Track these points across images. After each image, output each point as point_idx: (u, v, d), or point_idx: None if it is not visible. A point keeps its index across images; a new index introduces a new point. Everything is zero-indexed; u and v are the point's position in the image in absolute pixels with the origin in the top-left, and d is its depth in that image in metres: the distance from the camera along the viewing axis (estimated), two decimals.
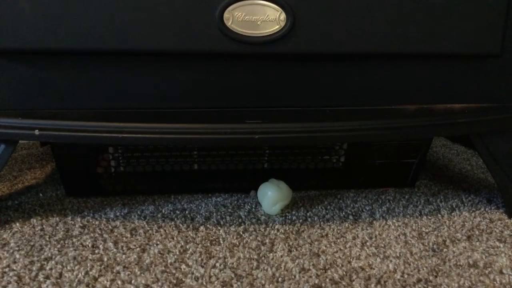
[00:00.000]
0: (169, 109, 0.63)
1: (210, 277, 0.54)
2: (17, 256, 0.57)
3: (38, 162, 0.96)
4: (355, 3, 0.59)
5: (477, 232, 0.67)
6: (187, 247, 0.60)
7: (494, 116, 0.67)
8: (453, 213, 0.73)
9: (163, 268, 0.55)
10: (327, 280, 0.54)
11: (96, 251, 0.59)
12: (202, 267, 0.56)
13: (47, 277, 0.53)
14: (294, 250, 0.60)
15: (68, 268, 0.55)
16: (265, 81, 0.63)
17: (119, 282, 0.52)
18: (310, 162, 0.80)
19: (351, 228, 0.67)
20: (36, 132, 0.58)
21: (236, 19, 0.57)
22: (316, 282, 0.53)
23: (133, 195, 0.77)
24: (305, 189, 0.81)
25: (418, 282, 0.54)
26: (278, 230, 0.66)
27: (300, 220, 0.69)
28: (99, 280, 0.53)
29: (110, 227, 0.65)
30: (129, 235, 0.63)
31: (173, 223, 0.67)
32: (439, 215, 0.72)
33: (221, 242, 0.62)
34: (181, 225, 0.66)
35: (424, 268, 0.57)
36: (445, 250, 0.61)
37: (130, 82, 0.61)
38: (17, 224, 0.66)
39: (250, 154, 0.78)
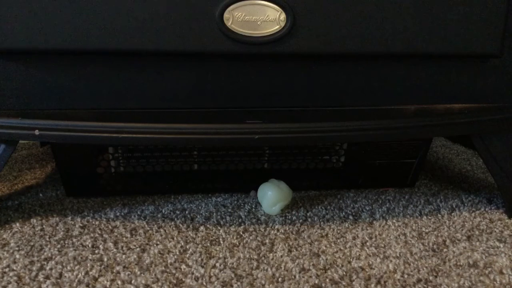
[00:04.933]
0: (169, 109, 0.63)
1: (210, 277, 0.54)
2: (17, 256, 0.57)
3: (38, 162, 0.96)
4: (355, 4, 0.59)
5: (477, 232, 0.67)
6: (187, 247, 0.60)
7: (494, 116, 0.67)
8: (453, 213, 0.73)
9: (163, 268, 0.55)
10: (327, 280, 0.54)
11: (96, 251, 0.59)
12: (202, 267, 0.56)
13: (47, 277, 0.53)
14: (294, 250, 0.60)
15: (68, 268, 0.55)
16: (265, 81, 0.63)
17: (119, 282, 0.52)
18: (310, 162, 0.80)
19: (351, 228, 0.67)
20: (36, 132, 0.58)
21: (236, 19, 0.57)
22: (316, 282, 0.53)
23: (133, 195, 0.77)
24: (305, 189, 0.81)
25: (418, 282, 0.54)
26: (278, 230, 0.66)
27: (300, 220, 0.69)
28: (99, 280, 0.53)
29: (110, 227, 0.65)
30: (129, 235, 0.63)
31: (173, 223, 0.67)
32: (439, 215, 0.72)
33: (221, 242, 0.62)
34: (181, 225, 0.66)
35: (424, 268, 0.57)
36: (445, 250, 0.61)
37: (130, 82, 0.61)
38: (17, 224, 0.66)
39: (250, 154, 0.78)
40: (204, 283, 0.52)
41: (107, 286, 0.51)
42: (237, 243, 0.62)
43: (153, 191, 0.78)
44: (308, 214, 0.71)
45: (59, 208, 0.71)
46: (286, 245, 0.61)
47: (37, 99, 0.60)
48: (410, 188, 0.83)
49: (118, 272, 0.54)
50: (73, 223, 0.66)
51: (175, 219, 0.68)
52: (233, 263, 0.57)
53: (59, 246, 0.60)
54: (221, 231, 0.65)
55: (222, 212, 0.71)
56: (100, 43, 0.57)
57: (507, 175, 0.71)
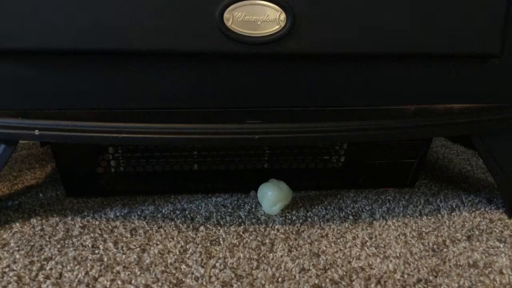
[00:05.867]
0: (169, 109, 0.63)
1: (210, 277, 0.54)
2: (17, 256, 0.57)
3: (38, 162, 0.96)
4: (355, 4, 0.59)
5: (477, 232, 0.67)
6: (187, 247, 0.60)
7: (494, 116, 0.67)
8: (453, 213, 0.73)
9: (163, 268, 0.55)
10: (327, 280, 0.54)
11: (96, 251, 0.59)
12: (202, 267, 0.56)
13: (47, 277, 0.53)
14: (294, 250, 0.60)
15: (68, 268, 0.55)
16: (265, 81, 0.63)
17: (119, 282, 0.52)
18: (310, 162, 0.80)
19: (351, 228, 0.67)
20: (36, 132, 0.58)
21: (236, 19, 0.57)
22: (316, 282, 0.53)
23: (133, 195, 0.77)
24: (305, 189, 0.81)
25: (418, 282, 0.54)
26: (278, 230, 0.66)
27: (300, 220, 0.69)
28: (99, 280, 0.53)
29: (110, 227, 0.65)
30: (129, 235, 0.63)
31: (173, 223, 0.67)
32: (439, 215, 0.72)
33: (221, 242, 0.62)
34: (181, 225, 0.66)
35: (424, 268, 0.57)
36: (445, 250, 0.61)
37: (130, 82, 0.61)
38: (17, 224, 0.66)
39: (250, 154, 0.78)
40: (204, 283, 0.52)
41: (107, 286, 0.51)
42: (237, 243, 0.62)
43: (153, 191, 0.78)
44: (308, 214, 0.71)
45: (59, 208, 0.71)
46: (286, 245, 0.61)
47: (37, 99, 0.60)
48: (410, 188, 0.83)
49: (118, 272, 0.54)
50: (73, 223, 0.66)
51: (175, 219, 0.68)
52: (233, 263, 0.57)
53: (59, 246, 0.60)
54: (221, 231, 0.65)
55: (222, 212, 0.71)
56: (100, 43, 0.57)
57: (507, 175, 0.71)
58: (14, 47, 0.56)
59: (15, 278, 0.52)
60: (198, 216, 0.69)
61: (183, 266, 0.56)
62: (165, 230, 0.65)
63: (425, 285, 0.53)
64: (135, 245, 0.60)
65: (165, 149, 0.76)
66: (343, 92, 0.65)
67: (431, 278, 0.55)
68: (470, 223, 0.69)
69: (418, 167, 0.82)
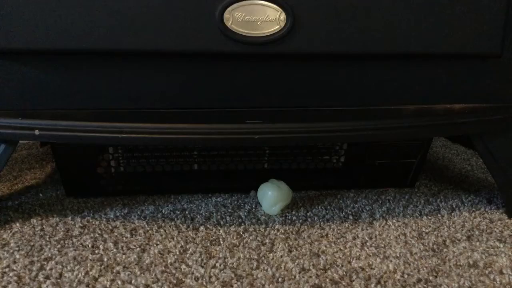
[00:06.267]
0: (169, 109, 0.63)
1: (210, 277, 0.54)
2: (17, 256, 0.57)
3: (38, 162, 0.96)
4: (355, 3, 0.59)
5: (477, 232, 0.67)
6: (187, 247, 0.60)
7: (494, 116, 0.67)
8: (453, 213, 0.73)
9: (163, 268, 0.55)
10: (327, 280, 0.54)
11: (96, 251, 0.59)
12: (202, 267, 0.56)
13: (47, 277, 0.53)
14: (294, 250, 0.60)
15: (68, 268, 0.55)
16: (265, 81, 0.63)
17: (119, 282, 0.52)
18: (310, 162, 0.80)
19: (351, 228, 0.67)
20: (36, 132, 0.58)
21: (236, 19, 0.57)
22: (316, 282, 0.53)
23: (133, 195, 0.77)
24: (305, 189, 0.81)
25: (418, 282, 0.54)
26: (278, 230, 0.66)
27: (300, 220, 0.69)
28: (99, 280, 0.53)
29: (110, 227, 0.65)
30: (129, 235, 0.63)
31: (173, 223, 0.67)
32: (439, 215, 0.72)
33: (221, 242, 0.62)
34: (181, 225, 0.66)
35: (424, 268, 0.57)
36: (445, 250, 0.61)
37: (130, 82, 0.61)
38: (17, 224, 0.66)
39: (250, 154, 0.78)
40: (204, 283, 0.52)
41: (107, 286, 0.51)
42: (237, 243, 0.62)
43: (153, 191, 0.78)
44: (308, 214, 0.71)
45: (59, 208, 0.71)
46: (286, 245, 0.61)
47: (37, 99, 0.60)
48: (410, 188, 0.83)
49: (118, 272, 0.54)
50: (73, 223, 0.66)
51: (175, 219, 0.68)
52: (233, 263, 0.57)
53: (59, 246, 0.60)
54: (221, 231, 0.65)
55: (222, 212, 0.71)
56: (100, 43, 0.57)
57: (507, 175, 0.71)
58: (15, 47, 0.56)
59: (15, 278, 0.52)
60: (198, 216, 0.70)
61: (183, 266, 0.56)
62: (165, 230, 0.65)
63: (425, 285, 0.53)
64: (135, 245, 0.60)
65: (165, 149, 0.76)
66: (343, 92, 0.65)
67: (431, 278, 0.55)
68: (470, 223, 0.69)
69: (418, 167, 0.82)
